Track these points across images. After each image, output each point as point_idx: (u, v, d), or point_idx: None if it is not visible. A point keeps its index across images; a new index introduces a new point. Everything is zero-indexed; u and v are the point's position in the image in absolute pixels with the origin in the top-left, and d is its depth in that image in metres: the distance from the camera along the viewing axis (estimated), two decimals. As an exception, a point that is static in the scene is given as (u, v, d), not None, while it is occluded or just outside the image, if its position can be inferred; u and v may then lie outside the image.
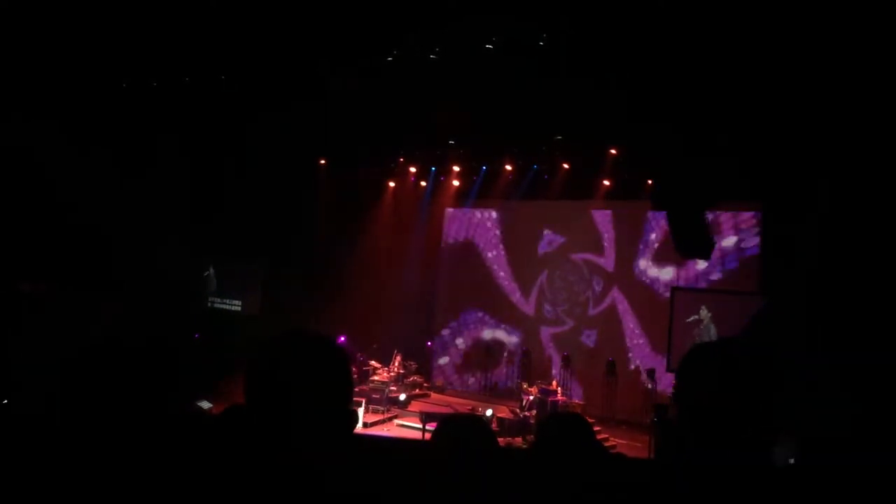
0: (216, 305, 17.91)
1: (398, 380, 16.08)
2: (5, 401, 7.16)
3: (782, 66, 7.82)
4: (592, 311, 17.12)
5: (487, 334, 18.40)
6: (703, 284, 15.59)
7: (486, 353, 17.91)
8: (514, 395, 15.54)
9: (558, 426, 2.67)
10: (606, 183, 15.83)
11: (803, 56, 7.56)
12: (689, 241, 8.74)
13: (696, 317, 14.21)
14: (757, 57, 7.79)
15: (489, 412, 13.55)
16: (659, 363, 15.61)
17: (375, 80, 11.05)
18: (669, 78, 8.26)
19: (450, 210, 19.00)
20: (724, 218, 14.98)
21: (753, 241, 14.72)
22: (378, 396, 14.94)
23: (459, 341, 18.78)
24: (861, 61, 6.96)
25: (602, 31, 8.73)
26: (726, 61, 7.87)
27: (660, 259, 16.13)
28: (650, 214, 15.95)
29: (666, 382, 14.70)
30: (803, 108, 8.21)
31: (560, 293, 17.56)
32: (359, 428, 13.31)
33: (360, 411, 14.08)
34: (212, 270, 17.88)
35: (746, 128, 8.93)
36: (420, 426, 12.78)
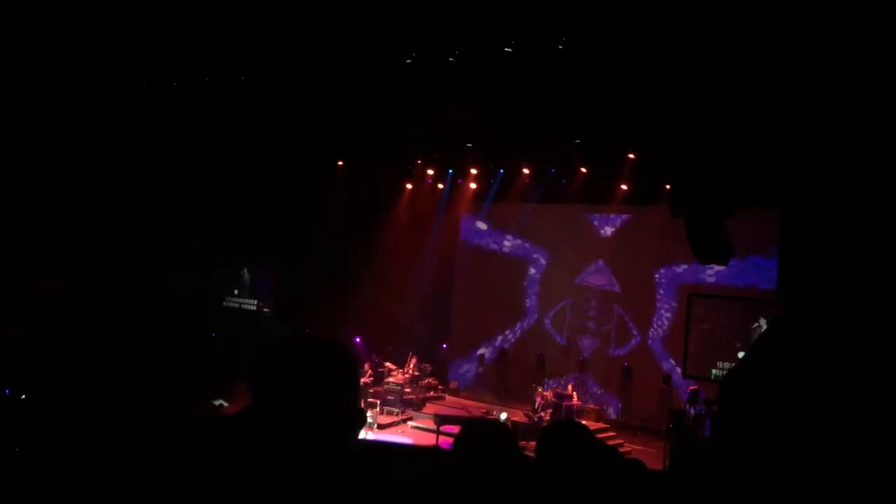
0: (228, 304, 18.00)
1: (413, 382, 16.09)
2: (23, 396, 7.24)
3: (800, 67, 7.76)
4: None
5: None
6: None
7: (500, 357, 17.91)
8: (528, 398, 15.49)
9: (550, 436, 2.66)
10: (624, 187, 15.76)
11: (821, 55, 7.49)
12: (707, 247, 8.69)
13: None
14: (774, 60, 7.73)
15: (503, 416, 13.52)
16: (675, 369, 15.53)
17: (394, 82, 11.07)
18: (685, 82, 8.21)
19: (466, 213, 19.00)
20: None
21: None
22: (393, 398, 14.96)
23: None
24: (879, 58, 6.89)
25: (618, 37, 8.70)
26: (743, 65, 7.81)
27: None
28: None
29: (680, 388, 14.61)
30: (821, 110, 8.13)
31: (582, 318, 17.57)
32: (374, 430, 13.34)
33: (375, 412, 14.11)
34: (245, 272, 17.99)
35: (764, 131, 8.86)
36: (434, 428, 12.77)
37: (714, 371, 14.79)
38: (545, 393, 14.74)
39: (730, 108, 8.06)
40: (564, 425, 2.87)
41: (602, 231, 17.29)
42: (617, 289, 16.99)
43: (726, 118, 8.03)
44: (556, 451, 2.55)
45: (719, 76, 7.93)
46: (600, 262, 17.20)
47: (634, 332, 16.74)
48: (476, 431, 2.46)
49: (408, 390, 15.51)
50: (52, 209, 11.98)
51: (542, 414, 14.01)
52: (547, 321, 18.04)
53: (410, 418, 14.84)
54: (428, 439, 12.86)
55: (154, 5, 9.09)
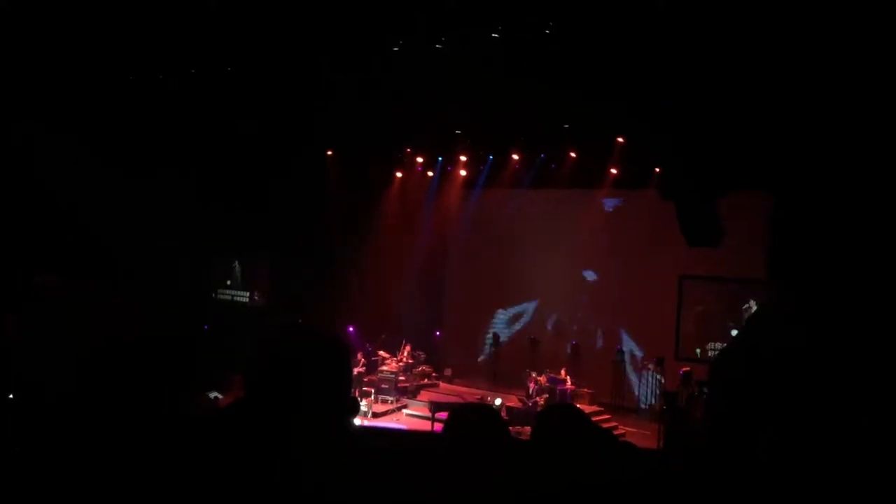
0: (221, 297, 17.98)
1: (407, 370, 16.13)
2: (10, 395, 7.22)
3: (793, 53, 7.77)
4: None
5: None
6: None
7: (494, 343, 17.98)
8: (522, 384, 15.57)
9: (546, 420, 2.68)
10: (614, 171, 15.77)
11: (815, 40, 7.51)
12: (697, 229, 8.73)
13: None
14: (766, 45, 7.74)
15: (498, 401, 13.59)
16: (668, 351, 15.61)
17: (382, 70, 11.04)
18: (676, 68, 8.21)
19: (457, 199, 18.96)
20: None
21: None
22: (387, 386, 14.99)
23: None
24: (876, 44, 6.90)
25: (607, 23, 8.69)
26: (733, 51, 7.82)
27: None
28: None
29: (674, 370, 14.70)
30: (814, 94, 8.15)
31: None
32: (368, 418, 13.37)
33: (370, 401, 14.14)
34: (237, 264, 17.96)
35: (756, 115, 8.89)
36: (429, 416, 12.82)
37: (698, 350, 14.97)
38: (539, 378, 14.80)
39: (721, 92, 8.07)
40: (560, 409, 2.89)
41: (594, 215, 17.29)
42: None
43: (717, 102, 8.04)
44: (552, 435, 2.56)
45: (710, 60, 7.94)
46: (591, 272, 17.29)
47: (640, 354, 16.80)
48: (464, 416, 2.48)
49: (402, 378, 15.54)
50: (49, 205, 11.95)
51: (537, 399, 14.08)
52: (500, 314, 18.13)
53: (405, 406, 14.88)
54: (423, 427, 12.91)
55: (153, 4, 9.07)
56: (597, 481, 2.33)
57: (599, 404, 15.14)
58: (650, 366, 15.81)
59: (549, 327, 17.83)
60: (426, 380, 16.90)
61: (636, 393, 16.33)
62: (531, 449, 2.54)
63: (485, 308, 18.81)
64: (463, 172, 17.82)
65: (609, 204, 17.13)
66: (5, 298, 11.47)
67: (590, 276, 17.39)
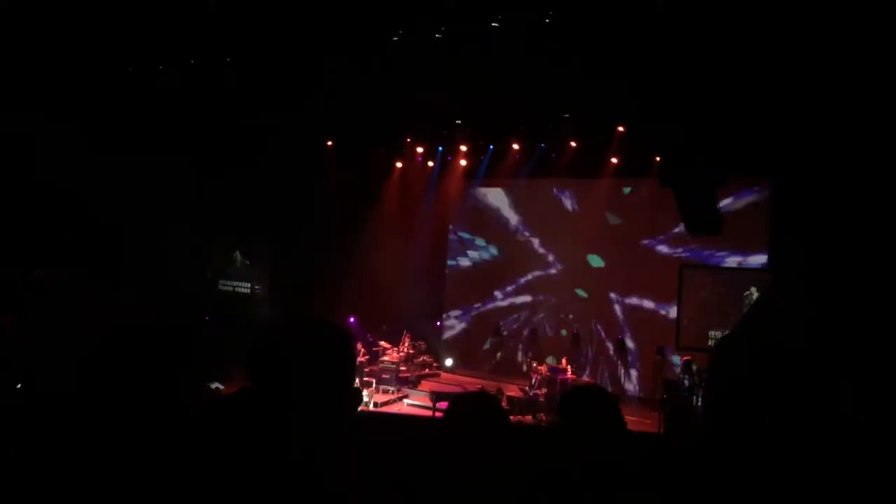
0: (222, 288, 17.98)
1: (408, 360, 16.15)
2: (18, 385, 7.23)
3: (795, 39, 7.74)
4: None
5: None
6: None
7: (495, 333, 17.99)
8: (523, 373, 15.60)
9: (583, 401, 2.67)
10: (614, 160, 15.74)
11: (813, 27, 7.48)
12: (697, 218, 8.71)
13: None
14: (767, 32, 7.71)
15: (499, 391, 13.60)
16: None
17: (381, 60, 11.01)
18: (675, 54, 8.19)
19: (458, 189, 18.95)
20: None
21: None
22: (388, 377, 15.01)
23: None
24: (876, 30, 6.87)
25: (607, 19, 8.68)
26: (733, 38, 7.79)
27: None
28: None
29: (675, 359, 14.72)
30: (817, 79, 8.13)
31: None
32: (370, 408, 13.39)
33: (371, 391, 14.16)
34: (238, 254, 17.96)
35: (757, 101, 8.86)
36: (430, 406, 12.84)
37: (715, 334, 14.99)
38: (540, 367, 14.80)
39: (722, 79, 8.04)
40: (592, 390, 2.87)
41: (595, 204, 17.27)
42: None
43: (717, 91, 8.01)
44: (580, 414, 2.56)
45: (714, 48, 7.91)
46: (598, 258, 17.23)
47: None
48: (464, 405, 2.48)
49: (403, 368, 15.56)
50: (48, 199, 11.93)
51: (538, 391, 14.06)
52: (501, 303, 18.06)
53: (406, 396, 14.91)
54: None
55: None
56: (611, 464, 2.33)
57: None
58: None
59: (550, 316, 17.82)
60: (427, 370, 16.92)
61: (636, 382, 16.37)
62: (560, 427, 2.54)
63: (485, 298, 18.80)
64: (463, 162, 17.79)
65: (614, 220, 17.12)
66: (4, 297, 11.45)
67: (595, 262, 17.37)
